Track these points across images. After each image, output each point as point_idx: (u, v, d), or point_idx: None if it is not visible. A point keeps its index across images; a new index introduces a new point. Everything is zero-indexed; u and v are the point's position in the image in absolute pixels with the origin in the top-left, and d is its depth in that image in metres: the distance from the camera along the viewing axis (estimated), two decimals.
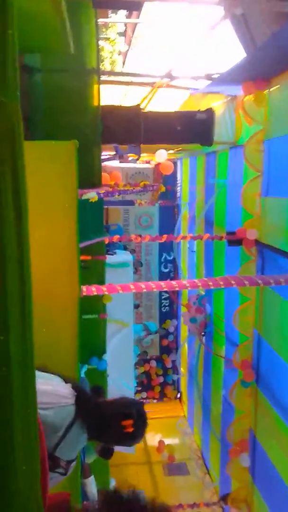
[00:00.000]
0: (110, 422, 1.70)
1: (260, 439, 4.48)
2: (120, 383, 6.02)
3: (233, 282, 3.20)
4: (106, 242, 5.44)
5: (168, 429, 7.71)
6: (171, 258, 8.30)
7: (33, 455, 1.03)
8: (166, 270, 8.36)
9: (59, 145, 3.20)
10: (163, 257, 8.29)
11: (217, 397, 5.92)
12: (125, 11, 7.69)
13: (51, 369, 1.82)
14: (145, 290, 3.67)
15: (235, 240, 4.32)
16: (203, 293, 6.12)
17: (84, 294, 3.65)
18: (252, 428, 4.68)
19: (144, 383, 8.56)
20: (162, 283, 3.58)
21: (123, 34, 11.01)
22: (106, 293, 3.91)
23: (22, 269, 0.95)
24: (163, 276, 8.32)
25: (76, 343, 3.39)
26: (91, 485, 4.29)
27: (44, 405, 1.60)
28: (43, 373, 1.77)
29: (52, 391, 1.66)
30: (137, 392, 8.15)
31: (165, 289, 3.66)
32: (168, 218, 8.06)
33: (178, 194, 7.89)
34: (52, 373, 1.80)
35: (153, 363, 8.53)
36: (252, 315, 4.38)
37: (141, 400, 8.25)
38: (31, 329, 0.98)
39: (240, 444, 4.82)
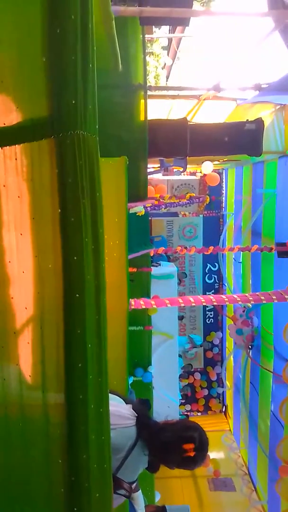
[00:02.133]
0: (172, 445, 1.68)
1: None
2: (165, 395, 5.97)
3: (287, 296, 3.12)
4: (151, 254, 5.45)
5: (213, 443, 7.47)
6: (216, 269, 8.19)
7: (106, 483, 1.03)
8: (211, 281, 8.25)
9: (110, 161, 3.24)
10: (207, 268, 8.20)
11: (265, 412, 5.75)
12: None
13: None
14: (193, 304, 3.64)
15: (285, 252, 4.22)
16: (250, 305, 5.99)
17: (132, 307, 3.66)
18: None
19: (188, 396, 8.45)
20: (212, 297, 3.54)
21: (166, 48, 11.09)
22: (155, 306, 3.90)
23: (98, 296, 0.96)
24: (207, 287, 8.22)
25: (126, 356, 3.40)
26: (139, 500, 4.26)
27: None
28: None
29: (115, 412, 1.66)
30: (181, 404, 8.05)
31: (215, 303, 3.62)
32: (213, 229, 7.97)
33: (223, 204, 7.81)
34: (112, 392, 1.81)
35: (197, 376, 8.41)
36: None
37: (185, 413, 8.17)
38: (106, 356, 0.98)
39: None
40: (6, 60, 0.93)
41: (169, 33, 9.26)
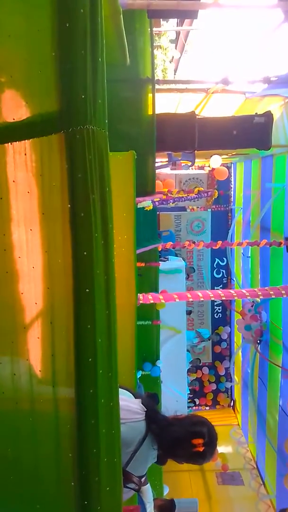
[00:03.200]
0: (181, 440, 1.68)
1: None
2: (173, 389, 5.99)
3: None
4: (159, 249, 5.45)
5: (221, 437, 7.44)
6: (224, 263, 8.17)
7: (116, 477, 1.04)
8: (219, 276, 8.23)
9: (118, 155, 3.23)
10: (216, 262, 8.18)
11: (274, 407, 5.75)
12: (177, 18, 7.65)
13: None
14: (202, 299, 3.63)
15: None
16: (259, 300, 5.97)
17: (141, 302, 3.66)
18: None
19: (196, 390, 8.46)
20: (220, 292, 3.52)
21: (174, 41, 11.02)
22: (163, 301, 3.90)
23: (108, 291, 0.96)
24: (215, 282, 8.20)
25: (134, 351, 3.41)
26: (148, 493, 4.29)
27: None
28: None
29: (124, 406, 1.66)
30: (189, 398, 8.07)
31: (223, 298, 3.60)
32: (221, 223, 7.95)
33: (232, 198, 7.77)
34: (122, 387, 1.81)
35: (206, 370, 8.42)
36: None
37: (193, 407, 8.18)
38: (116, 351, 0.99)
39: None
40: (15, 55, 0.94)
41: (177, 26, 9.20)
